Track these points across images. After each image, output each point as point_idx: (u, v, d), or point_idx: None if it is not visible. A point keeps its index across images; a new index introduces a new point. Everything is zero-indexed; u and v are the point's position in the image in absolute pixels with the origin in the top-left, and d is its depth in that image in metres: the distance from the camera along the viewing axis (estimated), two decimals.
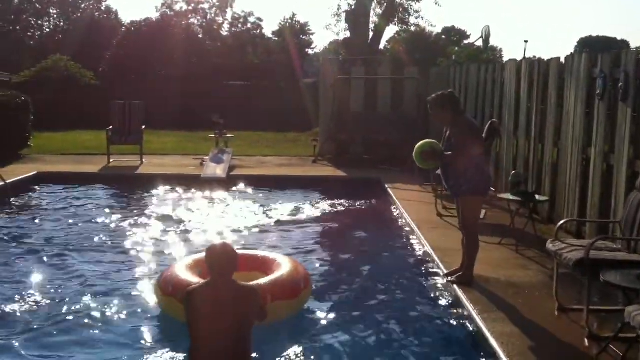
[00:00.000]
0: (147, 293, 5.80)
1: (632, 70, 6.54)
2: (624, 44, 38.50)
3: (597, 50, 8.32)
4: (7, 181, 10.28)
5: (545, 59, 8.97)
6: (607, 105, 7.10)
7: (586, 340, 4.69)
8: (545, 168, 8.70)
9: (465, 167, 5.82)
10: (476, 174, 5.86)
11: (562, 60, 8.45)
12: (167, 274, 5.31)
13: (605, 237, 5.68)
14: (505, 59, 31.26)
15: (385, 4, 24.52)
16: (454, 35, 45.07)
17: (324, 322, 5.39)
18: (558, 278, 5.40)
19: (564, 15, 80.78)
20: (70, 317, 5.31)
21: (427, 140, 6.08)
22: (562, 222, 5.93)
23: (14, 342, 4.78)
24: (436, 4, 37.18)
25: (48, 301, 5.65)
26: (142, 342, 4.93)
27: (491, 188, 6.78)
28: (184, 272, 5.22)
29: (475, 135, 6.01)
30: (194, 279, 4.92)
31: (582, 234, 7.47)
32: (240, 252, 5.66)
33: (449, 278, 6.10)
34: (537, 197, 7.84)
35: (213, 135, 14.38)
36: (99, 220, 8.85)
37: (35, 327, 5.10)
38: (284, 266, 5.44)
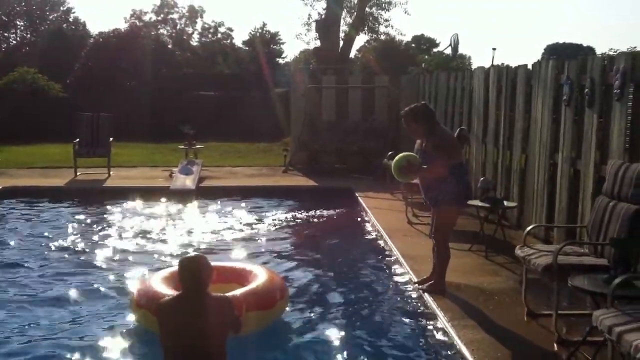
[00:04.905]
0: (120, 306, 5.73)
1: (598, 77, 6.61)
2: (590, 50, 39.11)
3: (564, 56, 8.42)
4: None
5: (513, 66, 9.05)
6: (573, 111, 7.17)
7: (555, 345, 4.71)
8: (514, 174, 8.75)
9: (445, 177, 5.75)
10: (456, 184, 5.81)
11: (530, 67, 8.52)
12: (142, 287, 5.29)
13: (572, 242, 5.71)
14: (474, 66, 31.57)
15: (355, 13, 24.61)
16: (423, 43, 45.42)
17: (294, 330, 5.35)
18: (527, 283, 5.42)
19: (531, 23, 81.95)
20: (42, 333, 5.20)
21: (403, 155, 5.89)
22: (529, 227, 5.97)
23: None
24: (405, 12, 37.73)
25: (17, 319, 5.52)
26: (116, 354, 4.86)
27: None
28: (159, 285, 5.18)
29: (452, 145, 5.95)
30: (169, 292, 4.88)
31: (550, 239, 7.52)
32: (216, 263, 5.61)
33: (420, 287, 6.07)
34: (505, 203, 7.88)
35: (182, 147, 14.24)
36: (67, 234, 8.67)
37: (5, 345, 4.97)
38: (259, 277, 5.39)
